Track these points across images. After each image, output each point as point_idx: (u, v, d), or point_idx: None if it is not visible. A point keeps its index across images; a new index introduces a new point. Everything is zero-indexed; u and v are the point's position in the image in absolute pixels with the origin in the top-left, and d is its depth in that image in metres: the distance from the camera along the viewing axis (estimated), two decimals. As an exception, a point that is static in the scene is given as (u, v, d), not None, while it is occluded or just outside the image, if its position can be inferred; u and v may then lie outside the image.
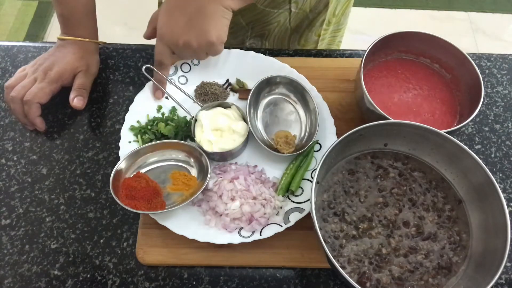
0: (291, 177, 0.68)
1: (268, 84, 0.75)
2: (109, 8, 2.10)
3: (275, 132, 0.73)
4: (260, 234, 0.63)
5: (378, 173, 0.65)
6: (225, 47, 0.79)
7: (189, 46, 0.67)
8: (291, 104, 0.76)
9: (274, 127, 0.74)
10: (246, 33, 0.94)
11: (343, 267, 0.57)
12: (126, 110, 0.73)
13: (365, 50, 0.69)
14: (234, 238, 0.63)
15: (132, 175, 0.66)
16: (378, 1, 2.35)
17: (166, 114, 0.75)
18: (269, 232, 0.63)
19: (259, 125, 0.74)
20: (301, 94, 0.74)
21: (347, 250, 0.58)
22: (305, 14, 0.91)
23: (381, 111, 0.64)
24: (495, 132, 0.78)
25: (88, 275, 0.64)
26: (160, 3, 0.99)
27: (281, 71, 0.77)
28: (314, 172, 0.63)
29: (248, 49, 0.80)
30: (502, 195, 0.55)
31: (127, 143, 0.71)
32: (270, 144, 0.71)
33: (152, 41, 1.05)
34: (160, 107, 0.76)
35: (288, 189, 0.68)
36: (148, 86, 0.76)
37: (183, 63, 0.78)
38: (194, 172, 0.69)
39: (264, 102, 0.76)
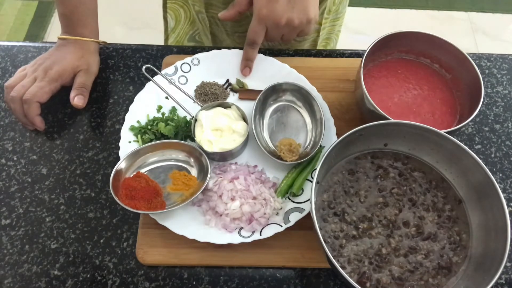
0: (291, 181, 0.68)
1: (274, 91, 0.74)
2: (109, 8, 2.10)
3: (279, 139, 0.72)
4: (260, 234, 0.63)
5: (378, 173, 0.65)
6: (228, 47, 0.80)
7: (291, 24, 0.69)
8: (298, 111, 0.75)
9: (280, 134, 0.73)
10: None
11: (343, 267, 0.57)
12: (126, 110, 0.73)
13: (365, 50, 0.69)
14: (234, 238, 0.63)
15: (132, 175, 0.66)
16: (378, 1, 2.35)
17: (166, 114, 0.75)
18: (269, 232, 0.63)
19: (265, 131, 0.73)
20: (309, 103, 0.74)
21: (347, 250, 0.58)
22: None
23: (381, 111, 0.64)
24: (495, 132, 0.78)
25: (88, 275, 0.64)
26: (164, 3, 0.99)
27: (281, 71, 0.77)
28: (314, 172, 0.63)
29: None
30: (502, 195, 0.55)
31: (127, 143, 0.71)
32: (273, 150, 0.71)
33: (152, 41, 1.05)
34: (160, 107, 0.76)
35: (287, 192, 0.68)
36: (148, 86, 0.76)
37: (183, 63, 0.78)
38: (194, 172, 0.69)
39: (271, 108, 0.75)
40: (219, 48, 0.80)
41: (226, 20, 0.76)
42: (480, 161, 0.57)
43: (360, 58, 0.70)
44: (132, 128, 0.72)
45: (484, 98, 0.73)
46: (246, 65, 0.78)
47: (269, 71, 0.78)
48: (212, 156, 0.70)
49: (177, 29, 1.03)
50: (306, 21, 0.69)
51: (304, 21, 0.69)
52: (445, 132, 0.60)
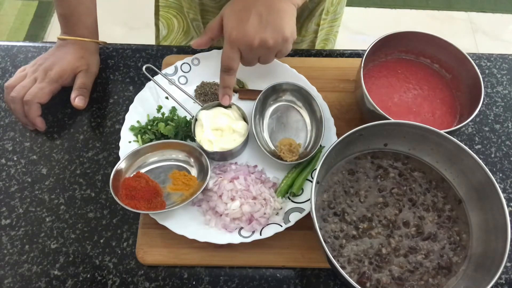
0: (291, 181, 0.68)
1: (274, 91, 0.74)
2: (109, 8, 2.10)
3: (279, 139, 0.72)
4: (260, 234, 0.63)
5: (378, 173, 0.65)
6: None
7: (265, 45, 0.63)
8: (298, 111, 0.75)
9: (280, 134, 0.73)
10: None
11: (343, 267, 0.57)
12: (126, 110, 0.73)
13: (365, 50, 0.69)
14: (234, 238, 0.63)
15: (132, 175, 0.66)
16: (378, 1, 2.35)
17: (166, 114, 0.75)
18: (269, 232, 0.63)
19: (265, 131, 0.73)
20: (309, 103, 0.74)
21: (347, 250, 0.58)
22: (305, 4, 0.91)
23: (381, 111, 0.64)
24: (495, 132, 0.78)
25: (88, 275, 0.64)
26: (156, 11, 0.98)
27: (280, 71, 0.77)
28: (314, 172, 0.63)
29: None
30: (502, 195, 0.55)
31: (127, 143, 0.71)
32: (273, 151, 0.71)
33: (152, 41, 1.04)
34: (160, 107, 0.76)
35: (287, 192, 0.68)
36: (148, 86, 0.76)
37: (183, 63, 0.78)
38: (194, 172, 0.69)
39: (271, 108, 0.75)
40: (219, 48, 0.80)
41: (200, 47, 0.71)
42: (480, 161, 0.57)
43: (360, 58, 0.70)
44: (132, 128, 0.72)
45: (484, 98, 0.73)
46: (225, 93, 0.71)
47: (269, 71, 0.78)
48: (212, 156, 0.70)
49: (169, 38, 1.02)
50: (282, 40, 0.64)
51: (279, 40, 0.63)
52: (445, 132, 0.60)
